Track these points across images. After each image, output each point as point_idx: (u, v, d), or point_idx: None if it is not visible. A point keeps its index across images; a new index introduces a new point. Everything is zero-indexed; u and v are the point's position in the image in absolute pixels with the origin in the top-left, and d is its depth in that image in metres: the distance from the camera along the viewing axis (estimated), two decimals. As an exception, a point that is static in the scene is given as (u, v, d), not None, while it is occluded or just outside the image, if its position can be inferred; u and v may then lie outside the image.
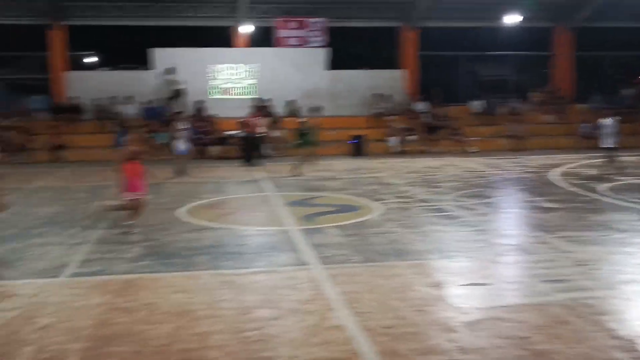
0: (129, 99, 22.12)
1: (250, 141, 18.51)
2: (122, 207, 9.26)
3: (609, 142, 15.50)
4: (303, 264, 7.50)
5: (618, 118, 15.77)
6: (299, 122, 19.88)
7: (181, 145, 15.95)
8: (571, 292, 6.38)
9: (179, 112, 17.29)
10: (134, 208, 9.17)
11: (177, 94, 22.33)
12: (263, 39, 23.90)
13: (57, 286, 6.74)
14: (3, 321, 5.65)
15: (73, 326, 5.54)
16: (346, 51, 24.39)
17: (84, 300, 6.23)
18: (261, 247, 8.43)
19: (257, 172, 16.42)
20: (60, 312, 5.89)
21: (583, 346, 5.10)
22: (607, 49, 26.57)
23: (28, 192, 13.67)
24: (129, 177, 8.98)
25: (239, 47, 23.70)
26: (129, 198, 9.04)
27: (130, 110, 21.98)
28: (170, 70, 22.32)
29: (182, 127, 16.35)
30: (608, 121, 15.56)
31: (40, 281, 6.92)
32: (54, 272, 7.28)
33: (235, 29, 23.57)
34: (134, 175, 9.02)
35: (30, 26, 23.03)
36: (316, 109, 19.71)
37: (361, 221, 9.96)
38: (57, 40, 22.69)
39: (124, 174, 8.99)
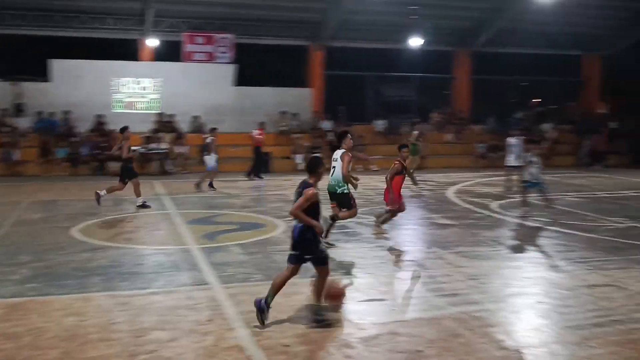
0: (22, 111, 21.05)
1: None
2: (391, 215, 10.03)
3: (512, 161, 16.02)
4: (202, 283, 7.38)
5: (523, 137, 16.22)
6: (203, 138, 19.65)
7: (212, 160, 16.13)
8: (464, 306, 6.64)
9: (214, 129, 17.01)
10: (394, 215, 10.08)
11: (19, 108, 21.38)
12: (169, 53, 23.50)
13: None
14: None
15: (-51, 354, 5.17)
16: (253, 68, 24.40)
17: (-37, 326, 5.83)
18: (159, 267, 8.20)
19: (159, 189, 16.04)
20: None
21: (472, 358, 5.31)
22: (503, 73, 28.07)
23: None
24: (395, 189, 9.78)
25: (144, 60, 23.18)
26: (396, 207, 9.81)
27: (24, 122, 20.94)
28: (15, 82, 21.43)
29: (211, 142, 16.39)
30: (514, 140, 16.18)
31: None
32: None
33: (140, 42, 23.04)
34: (399, 187, 9.87)
35: None
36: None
37: (264, 239, 9.94)
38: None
39: (392, 187, 9.72)
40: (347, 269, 8.21)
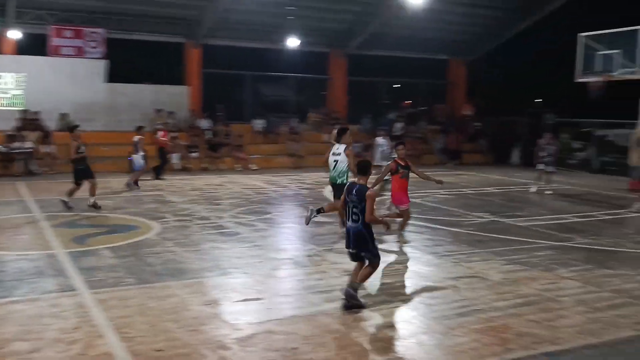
0: None
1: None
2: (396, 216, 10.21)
3: (379, 160, 16.49)
4: (69, 289, 7.01)
5: (388, 137, 16.74)
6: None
7: (140, 159, 16.26)
8: (339, 302, 6.79)
9: (141, 127, 16.70)
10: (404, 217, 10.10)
11: None
12: (35, 46, 22.05)
13: None
14: None
15: None
16: (128, 64, 23.52)
17: None
18: (22, 274, 7.68)
19: (23, 191, 15.04)
20: None
21: (345, 352, 5.45)
22: (377, 75, 29.01)
23: None
24: (393, 189, 10.05)
25: (6, 54, 21.60)
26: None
27: None
28: None
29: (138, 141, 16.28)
30: (382, 140, 16.65)
31: None
32: None
33: (2, 34, 21.43)
34: (397, 188, 9.98)
35: None
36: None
37: (137, 241, 9.61)
38: None
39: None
40: (223, 269, 8.13)
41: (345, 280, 7.62)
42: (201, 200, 14.23)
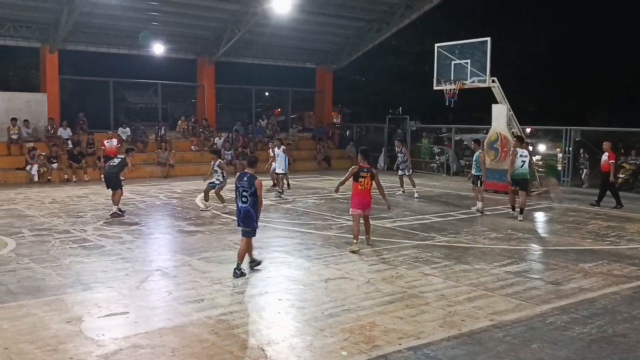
0: None
1: None
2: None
3: (280, 168, 16.78)
4: None
5: (284, 147, 17.20)
6: None
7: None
8: (209, 310, 6.71)
9: None
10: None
11: None
12: None
13: None
14: None
15: None
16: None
17: None
18: None
19: None
20: None
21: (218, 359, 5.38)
22: (247, 82, 28.96)
23: None
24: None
25: None
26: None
27: None
28: None
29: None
30: (279, 150, 16.94)
31: None
32: None
33: None
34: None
35: None
36: None
37: (-13, 259, 8.91)
38: None
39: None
40: (86, 284, 7.73)
41: (216, 289, 7.58)
42: (61, 213, 13.45)
